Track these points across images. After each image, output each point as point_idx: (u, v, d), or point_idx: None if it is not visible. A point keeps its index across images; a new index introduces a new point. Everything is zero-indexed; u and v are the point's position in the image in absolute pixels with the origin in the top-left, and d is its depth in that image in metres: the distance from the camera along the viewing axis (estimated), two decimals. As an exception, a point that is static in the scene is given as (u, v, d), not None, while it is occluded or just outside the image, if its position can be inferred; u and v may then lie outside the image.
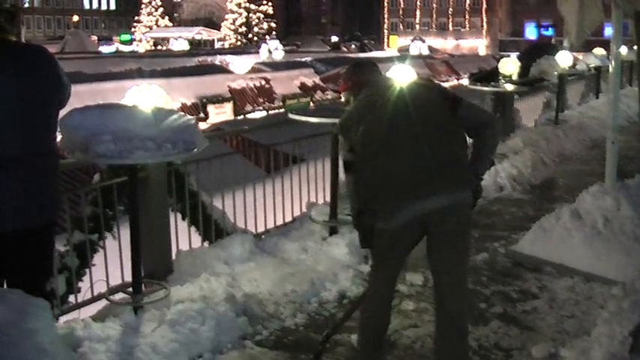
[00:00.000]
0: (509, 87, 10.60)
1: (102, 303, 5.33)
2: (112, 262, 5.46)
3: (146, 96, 5.40)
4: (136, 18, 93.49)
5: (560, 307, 5.55)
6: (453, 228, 3.85)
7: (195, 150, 4.68)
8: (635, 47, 9.85)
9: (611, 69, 7.07)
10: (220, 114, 24.83)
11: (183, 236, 6.18)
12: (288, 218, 7.19)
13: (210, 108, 24.99)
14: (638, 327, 4.05)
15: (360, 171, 4.00)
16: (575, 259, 6.23)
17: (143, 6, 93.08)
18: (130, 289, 5.06)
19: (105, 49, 67.82)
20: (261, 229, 6.87)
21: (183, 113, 4.93)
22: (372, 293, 4.22)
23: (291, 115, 6.76)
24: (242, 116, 25.01)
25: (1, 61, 3.57)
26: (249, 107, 26.42)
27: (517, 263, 6.51)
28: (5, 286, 3.79)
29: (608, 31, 7.04)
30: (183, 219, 6.24)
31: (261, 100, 27.22)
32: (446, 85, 29.88)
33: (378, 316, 4.14)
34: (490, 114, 4.09)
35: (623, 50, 12.85)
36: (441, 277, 3.95)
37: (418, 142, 3.82)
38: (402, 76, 8.75)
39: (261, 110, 26.38)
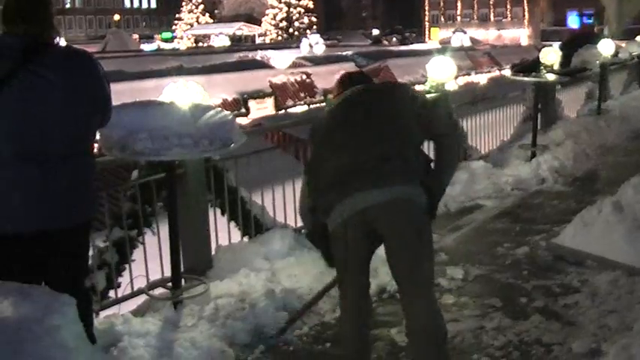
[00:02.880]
0: (551, 77, 10.44)
1: (142, 298, 5.38)
2: (152, 258, 5.50)
3: (183, 92, 5.43)
4: (177, 16, 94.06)
5: (601, 302, 5.45)
6: (401, 228, 3.62)
7: (233, 146, 4.69)
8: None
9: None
10: (261, 109, 24.87)
11: (223, 231, 6.20)
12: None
13: (252, 103, 25.04)
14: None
15: (312, 171, 3.95)
16: (617, 253, 6.13)
17: (184, 3, 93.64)
18: (170, 284, 5.11)
19: (146, 47, 68.37)
20: (300, 224, 6.86)
21: (220, 109, 4.94)
22: (342, 312, 4.06)
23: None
24: (283, 111, 25.01)
25: (54, 62, 3.62)
26: (290, 102, 26.41)
27: (558, 257, 6.41)
28: (43, 284, 3.85)
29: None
30: (223, 214, 6.27)
31: (302, 94, 27.19)
32: (488, 75, 29.68)
33: (354, 336, 3.96)
34: (453, 124, 3.94)
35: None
36: (401, 284, 3.75)
37: (366, 137, 3.73)
38: (442, 70, 8.75)
39: (302, 105, 26.36)
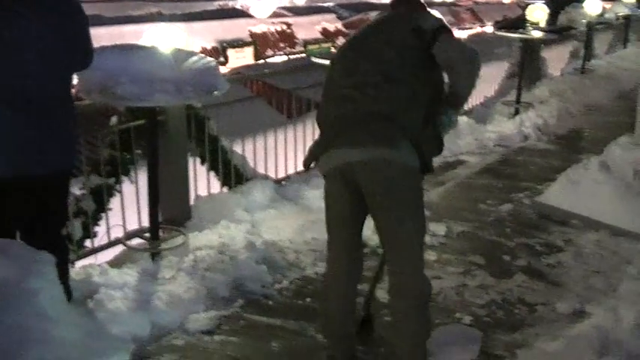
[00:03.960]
0: (537, 34, 10.32)
1: (119, 248, 5.25)
2: (130, 207, 5.37)
3: (165, 37, 5.26)
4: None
5: (585, 262, 5.42)
6: (380, 188, 3.40)
7: (217, 93, 4.55)
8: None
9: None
10: (241, 58, 24.59)
11: (202, 181, 6.07)
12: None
13: (231, 52, 24.74)
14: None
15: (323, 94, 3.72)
16: (602, 213, 6.07)
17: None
18: (148, 235, 4.99)
19: (126, -9, 67.21)
20: (282, 175, 6.76)
21: (203, 55, 4.79)
22: (326, 267, 3.90)
23: (313, 59, 6.60)
24: (263, 61, 24.78)
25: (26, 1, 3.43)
26: (269, 52, 26.15)
27: (542, 215, 6.36)
28: (20, 232, 3.73)
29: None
30: (203, 164, 6.13)
31: (282, 44, 26.92)
32: (469, 32, 29.43)
33: (335, 295, 3.79)
34: (468, 50, 3.45)
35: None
36: (382, 243, 3.59)
37: (356, 88, 3.46)
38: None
39: (282, 55, 26.12)
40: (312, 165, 3.73)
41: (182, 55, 4.62)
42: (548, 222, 6.22)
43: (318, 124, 3.68)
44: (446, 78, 3.56)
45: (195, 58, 4.65)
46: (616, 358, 3.63)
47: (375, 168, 3.38)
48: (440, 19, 3.59)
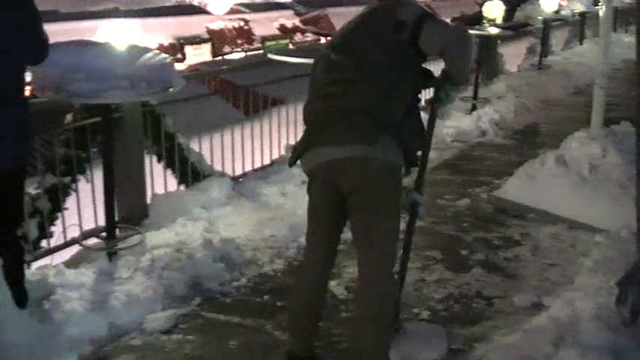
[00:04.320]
0: (494, 31, 10.40)
1: (75, 248, 5.18)
2: (86, 207, 5.30)
3: (120, 33, 5.21)
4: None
5: (543, 255, 5.47)
6: (356, 187, 3.39)
7: (172, 90, 4.51)
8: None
9: (601, 13, 6.92)
10: (198, 55, 24.48)
11: (159, 179, 6.02)
12: (267, 161, 7.04)
13: (188, 49, 24.64)
14: (625, 277, 3.95)
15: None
16: (559, 206, 6.13)
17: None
18: (104, 234, 4.93)
19: (82, -13, 66.67)
20: (239, 172, 6.72)
21: (158, 51, 4.75)
22: (304, 263, 3.88)
23: (270, 56, 6.58)
24: (220, 57, 24.67)
25: None
26: (227, 48, 26.07)
27: (500, 209, 6.41)
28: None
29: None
30: (159, 161, 6.07)
31: (239, 41, 26.85)
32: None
33: (304, 293, 3.79)
34: (454, 30, 3.39)
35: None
36: (355, 240, 3.55)
37: (336, 84, 3.44)
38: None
39: (239, 52, 26.05)
40: (297, 162, 3.69)
41: (137, 52, 4.58)
42: (506, 216, 6.27)
43: (304, 122, 3.64)
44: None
45: (150, 54, 4.61)
46: (572, 349, 3.65)
47: (354, 166, 3.37)
48: (419, 7, 3.52)
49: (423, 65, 3.62)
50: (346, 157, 3.36)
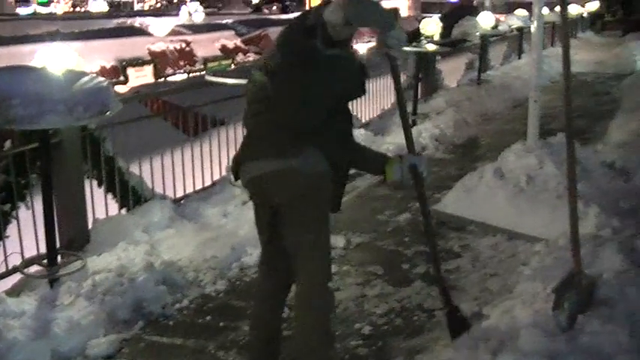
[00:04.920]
0: (431, 47, 10.57)
1: (17, 277, 5.12)
2: (27, 234, 5.25)
3: (56, 58, 5.19)
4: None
5: (483, 266, 5.56)
6: (286, 200, 3.44)
7: (109, 113, 4.50)
8: (557, 9, 9.98)
9: (533, 29, 7.09)
10: (141, 77, 24.40)
11: (100, 204, 5.99)
12: (209, 182, 7.05)
13: (131, 71, 24.55)
14: (561, 283, 4.05)
15: None
16: (498, 217, 6.25)
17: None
18: (45, 261, 4.89)
19: (22, 10, 66.08)
20: (181, 194, 6.72)
21: (95, 75, 4.74)
22: (257, 284, 3.98)
23: (207, 77, 6.61)
24: (163, 79, 24.60)
25: None
26: (169, 70, 26.05)
27: (440, 223, 6.48)
28: None
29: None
30: (100, 186, 6.04)
31: (182, 62, 26.85)
32: (367, 46, 29.83)
33: (263, 314, 3.84)
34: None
35: (545, 11, 13.01)
36: (289, 254, 3.57)
37: (261, 101, 3.44)
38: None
39: (182, 73, 26.03)
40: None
41: (73, 76, 4.56)
42: (446, 229, 6.36)
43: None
44: None
45: (86, 78, 4.59)
46: (511, 356, 3.73)
47: (277, 179, 3.40)
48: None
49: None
50: (270, 170, 3.40)
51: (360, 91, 3.69)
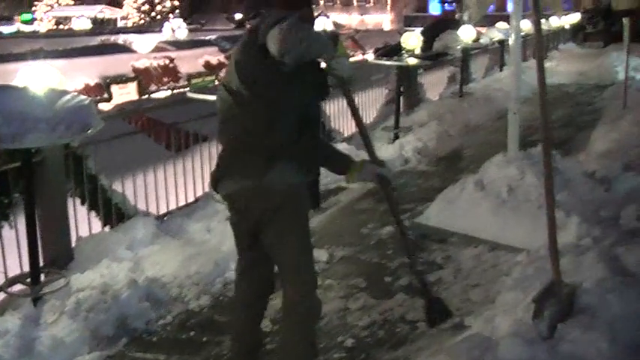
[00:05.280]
0: (412, 61, 10.65)
1: (1, 296, 5.12)
2: (11, 253, 5.26)
3: (39, 76, 5.21)
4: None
5: (465, 277, 5.60)
6: (264, 215, 3.57)
7: (90, 131, 4.53)
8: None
9: (511, 42, 7.16)
10: (124, 94, 24.39)
11: (84, 222, 6.00)
12: (192, 198, 7.07)
13: (114, 88, 24.54)
14: (540, 293, 4.09)
15: None
16: (480, 229, 6.30)
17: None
18: (29, 280, 4.89)
19: (5, 29, 66.00)
20: (164, 210, 6.74)
21: (77, 93, 4.77)
22: (235, 294, 4.04)
23: (189, 94, 6.65)
24: (147, 96, 24.61)
25: None
26: (153, 87, 26.08)
27: (422, 235, 6.53)
28: None
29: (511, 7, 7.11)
30: (83, 204, 6.06)
31: (165, 79, 26.87)
32: (351, 60, 29.95)
33: (243, 324, 3.94)
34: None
35: (526, 24, 13.11)
36: (267, 262, 3.76)
37: (226, 121, 3.59)
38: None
39: (165, 90, 26.04)
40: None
41: (55, 95, 4.58)
42: (429, 241, 6.39)
43: None
44: None
45: (68, 96, 4.61)
46: (491, 364, 3.78)
47: (255, 196, 3.51)
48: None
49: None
50: (246, 187, 3.50)
51: (323, 93, 3.75)
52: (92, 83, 23.59)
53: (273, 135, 3.44)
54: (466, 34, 14.02)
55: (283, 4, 3.56)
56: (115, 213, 6.23)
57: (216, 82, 26.20)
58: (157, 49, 31.81)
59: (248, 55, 3.48)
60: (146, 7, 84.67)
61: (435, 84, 14.49)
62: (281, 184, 3.49)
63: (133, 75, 25.82)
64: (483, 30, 17.48)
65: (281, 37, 3.25)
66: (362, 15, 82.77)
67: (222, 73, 28.84)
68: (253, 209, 3.58)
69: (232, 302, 4.10)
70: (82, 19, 71.85)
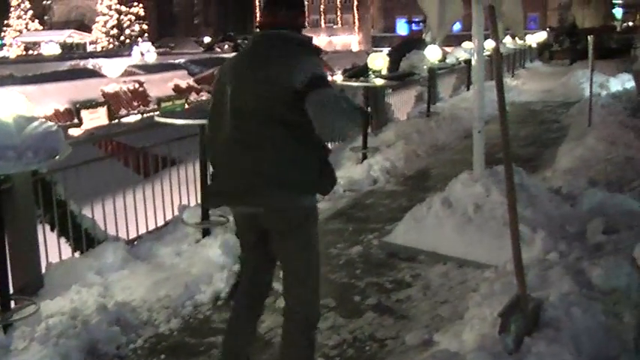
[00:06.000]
0: (379, 81, 10.75)
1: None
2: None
3: (6, 103, 5.22)
4: (5, 22, 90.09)
5: (434, 294, 5.67)
6: (278, 232, 3.81)
7: (58, 157, 4.56)
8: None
9: (474, 62, 7.26)
10: (95, 119, 24.36)
11: (53, 248, 6.00)
12: (162, 222, 7.09)
13: (84, 113, 24.49)
14: (506, 308, 4.17)
15: None
16: (447, 246, 6.36)
17: (12, 9, 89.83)
18: (-1, 307, 4.90)
19: (-25, 55, 65.74)
20: (134, 234, 6.75)
21: (44, 120, 4.80)
22: (237, 296, 4.23)
23: (157, 119, 6.67)
24: (117, 120, 24.56)
25: None
26: (123, 111, 26.03)
27: (391, 254, 6.60)
28: None
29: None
30: (52, 230, 6.06)
31: (135, 103, 26.84)
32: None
33: (239, 324, 4.09)
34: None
35: (490, 44, 13.27)
36: (282, 269, 3.94)
37: (236, 143, 3.75)
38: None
39: (135, 114, 25.99)
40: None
41: (23, 121, 4.61)
42: (397, 260, 6.45)
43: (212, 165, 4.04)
44: None
45: (36, 123, 4.65)
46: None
47: (277, 214, 3.72)
48: (314, 64, 3.71)
49: None
50: (270, 204, 3.68)
51: None
52: (62, 108, 23.54)
53: (287, 153, 3.63)
54: (432, 54, 14.15)
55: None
56: (84, 238, 6.24)
57: (186, 106, 26.24)
58: (127, 73, 31.75)
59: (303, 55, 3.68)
60: (115, 31, 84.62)
61: (402, 103, 14.61)
62: (308, 204, 3.78)
63: (102, 99, 25.77)
64: (450, 49, 17.67)
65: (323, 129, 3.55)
66: (330, 36, 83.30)
67: (191, 97, 28.93)
68: (267, 224, 3.79)
69: (231, 303, 4.42)
70: (50, 44, 71.57)
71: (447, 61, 16.25)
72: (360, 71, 14.25)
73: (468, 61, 17.30)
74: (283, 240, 3.78)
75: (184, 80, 30.55)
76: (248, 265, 4.14)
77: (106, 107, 25.55)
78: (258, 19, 4.00)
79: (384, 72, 11.70)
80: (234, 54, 4.52)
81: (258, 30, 3.89)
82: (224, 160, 3.78)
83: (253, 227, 3.87)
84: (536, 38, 30.45)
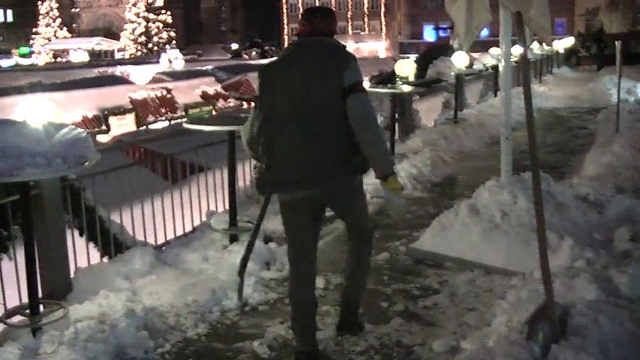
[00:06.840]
0: (406, 88, 10.75)
1: (0, 327, 5.17)
2: (11, 284, 5.31)
3: (36, 110, 5.29)
4: (34, 30, 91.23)
5: (461, 301, 5.65)
6: (340, 199, 4.64)
7: (87, 163, 4.61)
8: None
9: (501, 68, 7.24)
10: (122, 125, 24.53)
11: (82, 253, 6.06)
12: (189, 228, 7.13)
13: (112, 120, 24.67)
14: (534, 315, 4.15)
15: None
16: (474, 253, 6.34)
17: (41, 17, 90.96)
18: (28, 311, 4.94)
19: (3, 62, 66.46)
20: (161, 240, 6.79)
21: (74, 127, 4.85)
22: (295, 270, 4.71)
23: (185, 125, 6.72)
24: (144, 127, 24.71)
25: None
26: (151, 118, 26.19)
27: (418, 260, 6.59)
28: None
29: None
30: (81, 235, 6.12)
31: (163, 110, 26.98)
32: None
33: (308, 293, 4.67)
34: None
35: (517, 50, 13.21)
36: (348, 218, 4.85)
37: (309, 135, 4.38)
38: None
39: (163, 120, 26.14)
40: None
41: (52, 128, 4.66)
42: (424, 266, 6.44)
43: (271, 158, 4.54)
44: None
45: (65, 130, 4.69)
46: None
47: (336, 193, 4.54)
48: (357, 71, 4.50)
49: None
50: (331, 189, 4.47)
51: None
52: (90, 115, 23.73)
53: (341, 141, 4.39)
54: (459, 60, 14.14)
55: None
56: (113, 244, 6.29)
57: (214, 112, 26.33)
58: (155, 80, 31.94)
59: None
60: (143, 38, 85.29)
61: (430, 110, 14.57)
62: (358, 184, 4.73)
63: (130, 106, 25.93)
64: (477, 55, 17.61)
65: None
66: (357, 43, 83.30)
67: (219, 103, 29.04)
68: (327, 204, 4.66)
69: (292, 280, 4.73)
70: (79, 51, 72.37)
71: (474, 67, 16.22)
72: (387, 78, 14.26)
73: (495, 67, 17.23)
74: (347, 207, 4.71)
75: (212, 87, 30.68)
76: (300, 243, 4.65)
77: (133, 114, 25.73)
78: (297, 27, 4.68)
79: (412, 78, 11.70)
80: (265, 60, 4.90)
81: (297, 37, 4.59)
82: (290, 152, 4.35)
83: (312, 208, 4.51)
84: (563, 44, 30.32)
